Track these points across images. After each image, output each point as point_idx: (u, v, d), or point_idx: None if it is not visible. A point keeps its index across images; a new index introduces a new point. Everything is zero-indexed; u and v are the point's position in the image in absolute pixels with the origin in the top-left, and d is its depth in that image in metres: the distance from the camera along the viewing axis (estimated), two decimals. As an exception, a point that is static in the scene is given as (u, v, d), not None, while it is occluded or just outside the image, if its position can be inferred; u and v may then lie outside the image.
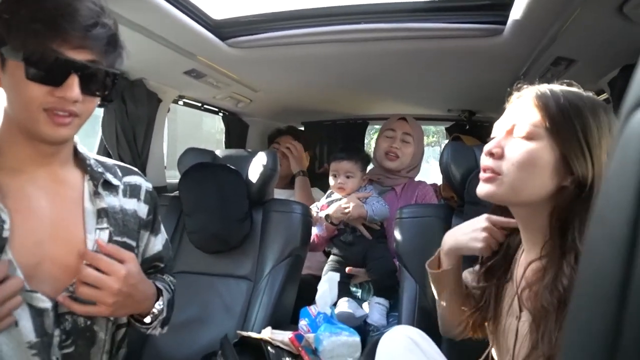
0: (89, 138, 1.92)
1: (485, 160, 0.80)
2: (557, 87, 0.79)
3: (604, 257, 0.20)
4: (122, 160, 1.68)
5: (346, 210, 1.66)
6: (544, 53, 1.30)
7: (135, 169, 1.02)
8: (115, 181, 0.92)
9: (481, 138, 2.45)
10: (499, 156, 0.77)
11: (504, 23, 1.24)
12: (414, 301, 1.34)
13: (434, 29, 1.35)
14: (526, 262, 0.83)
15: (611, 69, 1.34)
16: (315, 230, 1.77)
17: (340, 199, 1.75)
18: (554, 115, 0.74)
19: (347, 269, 1.67)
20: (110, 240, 0.87)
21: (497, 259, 0.91)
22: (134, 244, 0.93)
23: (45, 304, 0.77)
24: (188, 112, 2.52)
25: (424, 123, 3.47)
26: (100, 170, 0.89)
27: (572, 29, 1.10)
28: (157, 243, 1.02)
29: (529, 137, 0.75)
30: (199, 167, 1.62)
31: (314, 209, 1.79)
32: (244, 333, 1.09)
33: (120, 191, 0.93)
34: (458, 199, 1.44)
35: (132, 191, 0.95)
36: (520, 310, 0.83)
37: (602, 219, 0.21)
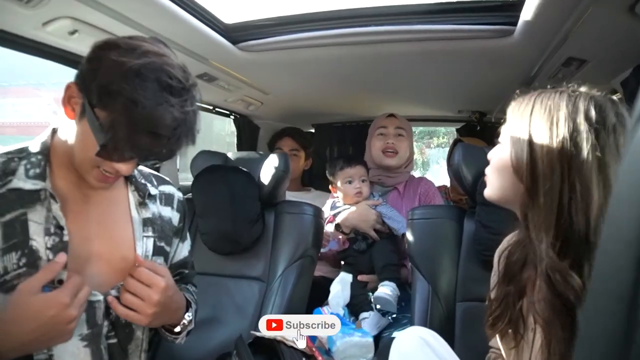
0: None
1: None
2: (549, 89, 0.83)
3: (616, 256, 0.21)
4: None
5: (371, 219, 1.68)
6: (555, 53, 1.30)
7: (167, 179, 1.08)
8: (154, 190, 0.99)
9: (492, 139, 2.44)
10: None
11: (515, 24, 1.24)
12: (427, 302, 1.35)
13: (444, 30, 1.35)
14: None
15: (623, 69, 1.33)
16: (328, 245, 1.78)
17: (348, 208, 1.77)
18: (514, 117, 0.84)
19: (358, 277, 1.68)
20: (154, 246, 0.94)
21: (514, 258, 0.89)
22: (168, 249, 0.99)
23: (98, 297, 0.83)
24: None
25: (434, 124, 3.47)
26: (143, 181, 0.97)
27: (583, 29, 1.10)
28: (184, 249, 1.08)
29: (501, 140, 0.86)
30: (211, 169, 1.64)
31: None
32: (258, 334, 1.10)
33: (158, 199, 1.00)
34: (469, 200, 1.44)
35: (167, 200, 1.02)
36: (535, 322, 0.81)
37: (615, 220, 0.22)
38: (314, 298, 1.60)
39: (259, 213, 1.60)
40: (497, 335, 0.90)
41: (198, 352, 1.42)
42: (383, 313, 1.60)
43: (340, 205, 1.81)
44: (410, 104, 2.51)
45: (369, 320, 1.57)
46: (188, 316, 0.99)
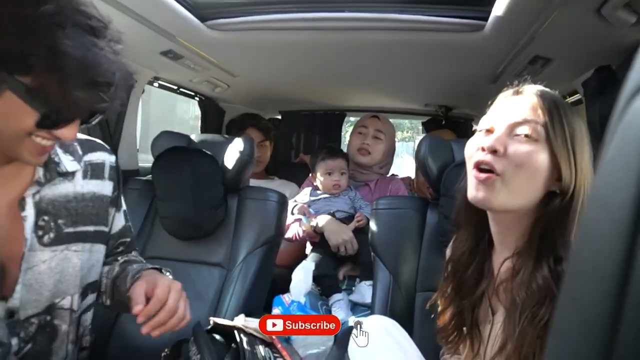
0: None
1: (482, 156, 0.75)
2: (550, 90, 0.79)
3: (603, 237, 0.21)
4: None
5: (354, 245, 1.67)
6: (522, 51, 1.33)
7: (99, 142, 0.98)
8: (72, 166, 0.87)
9: (456, 133, 2.49)
10: (502, 154, 0.73)
11: (486, 19, 1.25)
12: (388, 291, 1.36)
13: (416, 21, 1.35)
14: (499, 262, 0.82)
15: (585, 70, 1.37)
16: (295, 227, 1.77)
17: (326, 198, 1.79)
18: (554, 119, 0.73)
19: (339, 273, 1.71)
20: (59, 235, 0.84)
21: (469, 272, 0.87)
22: (91, 229, 0.90)
23: None
24: (162, 95, 2.46)
25: (400, 117, 3.51)
26: (56, 159, 0.85)
27: (551, 28, 1.12)
28: (120, 218, 1.01)
29: (532, 137, 0.73)
30: (174, 150, 1.58)
31: (292, 204, 1.78)
32: (217, 320, 1.07)
33: (78, 175, 0.89)
34: (433, 191, 1.45)
35: (95, 171, 0.92)
36: (493, 314, 0.82)
37: (602, 200, 0.21)
38: (277, 288, 1.58)
39: (221, 198, 1.56)
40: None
41: (154, 338, 1.38)
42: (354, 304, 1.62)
43: (321, 193, 1.83)
44: (378, 95, 2.52)
45: (342, 302, 1.57)
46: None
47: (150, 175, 1.63)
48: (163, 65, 1.75)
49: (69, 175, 0.87)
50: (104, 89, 0.69)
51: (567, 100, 1.73)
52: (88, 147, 0.93)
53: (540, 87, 0.79)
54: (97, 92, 0.68)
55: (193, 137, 1.74)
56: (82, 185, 0.89)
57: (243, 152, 1.58)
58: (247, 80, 2.12)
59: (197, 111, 2.54)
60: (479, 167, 0.75)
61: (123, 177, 1.70)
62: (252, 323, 1.11)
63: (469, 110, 2.62)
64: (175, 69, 1.82)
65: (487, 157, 0.74)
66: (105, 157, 0.95)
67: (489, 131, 0.78)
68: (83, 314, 0.93)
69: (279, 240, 1.64)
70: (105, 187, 0.94)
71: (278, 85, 2.32)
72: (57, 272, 0.83)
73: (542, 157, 0.72)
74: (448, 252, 0.95)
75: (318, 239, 1.75)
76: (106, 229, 0.95)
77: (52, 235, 0.82)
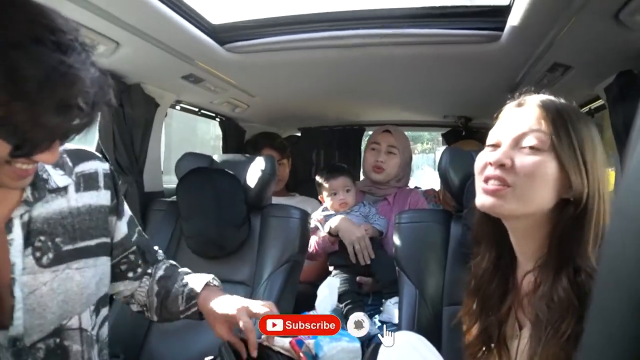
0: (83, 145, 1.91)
1: (492, 171, 0.75)
2: (554, 98, 0.78)
3: (624, 249, 0.20)
4: (119, 165, 1.67)
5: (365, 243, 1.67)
6: (540, 59, 1.32)
7: (89, 151, 0.93)
8: (63, 181, 0.83)
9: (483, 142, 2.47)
10: (509, 167, 0.73)
11: (502, 29, 1.25)
12: (414, 306, 1.34)
13: (432, 34, 1.36)
14: (522, 275, 0.81)
15: (607, 75, 1.35)
16: (313, 240, 1.78)
17: (336, 214, 1.78)
18: (558, 127, 0.73)
19: (357, 278, 1.69)
20: (58, 254, 0.80)
21: (493, 287, 0.85)
22: (92, 243, 0.87)
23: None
24: (183, 117, 2.51)
25: (420, 129, 3.50)
26: (45, 176, 0.80)
27: (569, 35, 1.11)
28: (122, 227, 0.97)
29: (538, 148, 0.73)
30: (197, 171, 1.61)
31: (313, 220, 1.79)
32: (243, 336, 1.07)
33: (71, 189, 0.85)
34: (456, 203, 1.44)
35: (88, 182, 0.88)
36: (520, 329, 0.81)
37: (623, 212, 0.21)
38: (301, 305, 1.58)
39: (244, 216, 1.58)
40: None
41: (180, 357, 1.39)
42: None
43: (334, 212, 1.83)
44: (396, 108, 2.52)
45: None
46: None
47: (175, 196, 1.66)
48: (184, 88, 1.79)
49: (61, 190, 0.82)
50: (77, 110, 0.63)
51: (590, 106, 1.70)
52: (78, 158, 0.88)
53: (543, 97, 0.78)
54: (70, 114, 0.63)
55: (215, 157, 1.77)
56: (76, 200, 0.85)
57: (265, 170, 1.60)
58: (266, 99, 2.16)
59: (217, 131, 2.59)
60: (491, 178, 0.76)
61: (148, 199, 1.76)
62: (279, 341, 1.11)
63: (488, 120, 2.60)
64: (196, 92, 1.86)
65: (497, 172, 0.74)
66: (97, 166, 0.91)
67: (496, 146, 0.78)
68: (99, 329, 0.91)
69: (303, 257, 1.64)
70: (101, 197, 0.90)
71: (296, 103, 2.35)
72: (60, 292, 0.79)
73: (550, 166, 0.72)
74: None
75: (337, 245, 1.74)
76: (108, 240, 0.92)
77: (50, 255, 0.79)
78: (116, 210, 0.95)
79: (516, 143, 0.74)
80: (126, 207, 1.02)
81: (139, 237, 1.05)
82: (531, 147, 0.73)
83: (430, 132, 7.53)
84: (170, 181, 2.12)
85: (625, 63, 1.25)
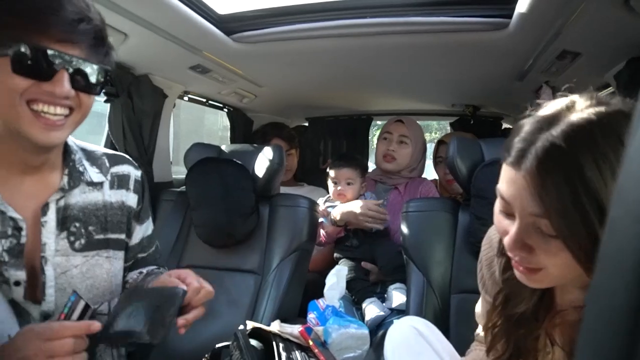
0: (92, 135, 1.93)
1: (516, 255, 0.64)
2: (558, 136, 0.56)
3: (625, 233, 0.21)
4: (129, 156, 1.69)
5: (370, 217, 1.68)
6: (549, 47, 1.30)
7: (126, 157, 1.00)
8: (98, 177, 0.90)
9: (484, 133, 2.46)
10: (531, 251, 0.62)
11: (510, 17, 1.24)
12: (422, 294, 1.35)
13: (439, 22, 1.35)
14: (561, 294, 0.75)
15: (617, 62, 1.34)
16: (322, 231, 1.80)
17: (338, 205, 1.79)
18: (566, 200, 0.55)
19: (362, 263, 1.71)
20: (90, 241, 0.86)
21: (527, 305, 0.76)
22: (121, 236, 0.93)
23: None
24: (191, 108, 2.52)
25: (427, 118, 3.48)
26: (81, 168, 0.88)
27: (577, 21, 1.10)
28: (139, 232, 1.01)
29: (551, 233, 0.58)
30: (205, 161, 1.63)
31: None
32: (254, 324, 1.09)
33: (106, 185, 0.92)
34: (464, 192, 1.44)
35: (120, 182, 0.94)
36: (552, 344, 0.74)
37: (624, 197, 0.22)
38: (310, 293, 1.60)
39: (253, 206, 1.59)
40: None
41: (193, 344, 1.41)
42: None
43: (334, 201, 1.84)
44: (404, 97, 2.51)
45: (375, 302, 1.58)
46: None
47: (184, 187, 1.68)
48: (192, 79, 1.80)
49: (97, 185, 0.90)
50: (76, 35, 0.70)
51: (599, 94, 1.68)
52: (115, 161, 0.96)
53: (545, 148, 0.57)
54: (66, 34, 0.70)
55: (223, 147, 1.78)
56: (109, 195, 0.91)
57: (272, 160, 1.62)
58: (273, 89, 2.16)
59: (225, 122, 2.60)
60: (521, 264, 0.65)
61: (158, 189, 1.78)
62: (288, 328, 1.13)
63: (496, 108, 2.58)
64: (204, 83, 1.87)
65: (522, 254, 0.63)
66: (130, 170, 0.98)
67: (509, 214, 0.64)
68: None
69: (312, 245, 1.66)
70: (130, 198, 0.96)
71: (304, 93, 2.35)
72: (89, 277, 0.86)
73: (573, 242, 0.57)
74: (493, 272, 0.85)
75: (343, 231, 1.76)
76: (128, 239, 0.98)
77: (83, 241, 0.85)
78: (138, 216, 0.99)
79: (532, 223, 0.60)
80: (149, 215, 1.06)
81: (150, 255, 1.07)
82: (545, 232, 0.59)
83: (438, 121, 7.47)
84: (178, 172, 2.14)
85: (635, 49, 1.24)
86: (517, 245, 0.62)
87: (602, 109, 0.58)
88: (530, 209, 0.59)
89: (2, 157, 0.77)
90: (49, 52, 0.68)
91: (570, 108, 0.60)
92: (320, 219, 1.78)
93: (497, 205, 0.66)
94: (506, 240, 0.64)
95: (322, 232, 1.80)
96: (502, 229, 0.65)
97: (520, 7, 1.15)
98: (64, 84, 0.70)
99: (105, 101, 1.67)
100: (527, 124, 0.61)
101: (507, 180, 0.62)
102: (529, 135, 0.59)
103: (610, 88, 1.53)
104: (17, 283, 0.76)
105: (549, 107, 0.62)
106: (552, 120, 0.58)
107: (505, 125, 2.78)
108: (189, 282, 0.81)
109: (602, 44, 1.26)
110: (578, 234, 0.55)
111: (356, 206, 1.70)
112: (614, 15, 1.04)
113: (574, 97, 0.62)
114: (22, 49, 0.67)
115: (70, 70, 0.72)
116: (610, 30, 1.15)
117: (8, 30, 0.67)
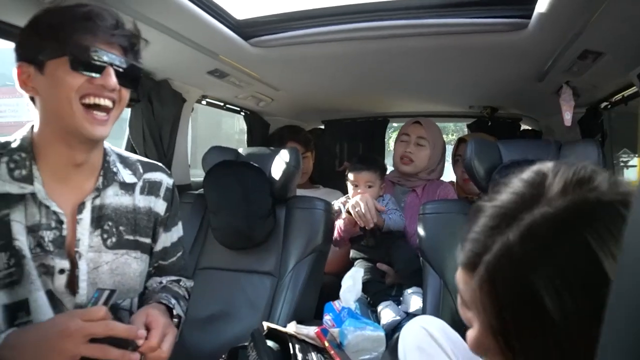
0: (113, 140, 1.96)
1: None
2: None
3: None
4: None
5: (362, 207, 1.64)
6: (570, 47, 1.28)
7: (160, 165, 1.06)
8: (130, 179, 0.96)
9: (502, 134, 2.43)
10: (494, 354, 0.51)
11: (529, 17, 1.23)
12: (439, 296, 1.34)
13: (456, 24, 1.34)
14: None
15: (641, 62, 1.31)
16: (336, 225, 1.78)
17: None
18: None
19: (377, 264, 1.70)
20: (120, 240, 0.92)
21: None
22: (147, 240, 0.98)
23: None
24: (208, 112, 2.55)
25: (445, 120, 3.45)
26: (114, 169, 0.94)
27: (599, 20, 1.08)
28: (166, 240, 1.04)
29: None
30: (223, 164, 1.65)
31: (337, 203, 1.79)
32: (271, 325, 1.10)
33: (137, 189, 0.97)
34: (482, 194, 1.43)
35: (152, 188, 0.99)
36: None
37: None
38: (326, 295, 1.60)
39: (270, 208, 1.60)
40: None
41: (211, 345, 1.43)
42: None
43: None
44: (420, 99, 2.50)
45: (390, 305, 1.57)
46: (175, 320, 0.94)
47: (202, 189, 1.70)
48: (210, 83, 1.83)
49: (129, 189, 0.95)
50: (116, 37, 0.82)
51: (623, 94, 1.65)
52: (149, 168, 1.02)
53: (498, 257, 0.46)
54: (109, 37, 0.81)
55: (240, 150, 1.80)
56: (139, 200, 0.97)
57: (289, 162, 1.63)
58: (290, 93, 2.18)
59: (242, 125, 2.62)
60: None
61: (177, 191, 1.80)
62: (304, 330, 1.13)
63: (515, 110, 2.55)
64: (222, 87, 1.89)
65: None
66: (163, 178, 1.03)
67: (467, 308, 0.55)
68: None
69: (328, 247, 1.66)
70: (158, 205, 1.00)
71: (320, 96, 2.36)
72: (118, 274, 0.91)
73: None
74: None
75: (358, 227, 1.72)
76: (153, 244, 1.01)
77: (114, 239, 0.91)
78: (165, 223, 1.03)
79: (491, 334, 0.50)
80: (179, 225, 1.09)
81: (185, 256, 1.11)
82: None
83: (455, 123, 7.40)
84: (196, 175, 2.17)
85: (659, 48, 1.21)
86: (479, 350, 0.52)
87: (576, 197, 0.44)
88: (488, 322, 0.48)
89: (51, 156, 0.84)
90: (98, 51, 0.79)
91: (535, 197, 0.46)
92: (338, 205, 1.75)
93: (458, 298, 0.56)
94: (467, 341, 0.54)
95: (337, 225, 1.78)
96: (467, 319, 0.54)
97: (540, 7, 1.14)
98: (112, 77, 0.81)
99: (127, 106, 1.70)
100: (484, 215, 0.50)
101: (463, 282, 0.52)
102: (482, 236, 0.48)
103: (634, 88, 1.50)
104: (61, 271, 0.83)
105: (514, 188, 0.49)
106: (513, 213, 0.46)
107: (523, 127, 2.74)
108: (150, 335, 0.79)
109: (625, 43, 1.23)
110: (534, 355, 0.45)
111: (360, 196, 1.68)
112: (637, 14, 1.02)
113: (549, 170, 0.48)
114: (78, 49, 0.78)
115: (114, 66, 0.82)
116: (634, 29, 1.12)
117: (65, 34, 0.78)
